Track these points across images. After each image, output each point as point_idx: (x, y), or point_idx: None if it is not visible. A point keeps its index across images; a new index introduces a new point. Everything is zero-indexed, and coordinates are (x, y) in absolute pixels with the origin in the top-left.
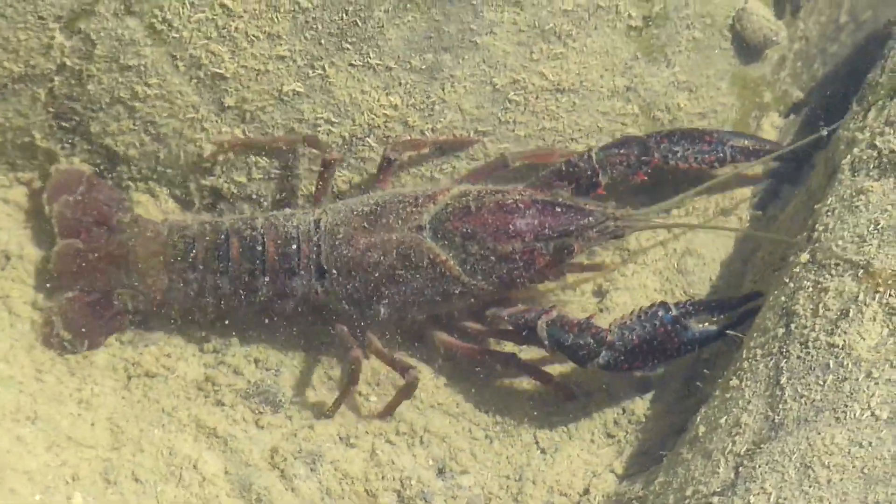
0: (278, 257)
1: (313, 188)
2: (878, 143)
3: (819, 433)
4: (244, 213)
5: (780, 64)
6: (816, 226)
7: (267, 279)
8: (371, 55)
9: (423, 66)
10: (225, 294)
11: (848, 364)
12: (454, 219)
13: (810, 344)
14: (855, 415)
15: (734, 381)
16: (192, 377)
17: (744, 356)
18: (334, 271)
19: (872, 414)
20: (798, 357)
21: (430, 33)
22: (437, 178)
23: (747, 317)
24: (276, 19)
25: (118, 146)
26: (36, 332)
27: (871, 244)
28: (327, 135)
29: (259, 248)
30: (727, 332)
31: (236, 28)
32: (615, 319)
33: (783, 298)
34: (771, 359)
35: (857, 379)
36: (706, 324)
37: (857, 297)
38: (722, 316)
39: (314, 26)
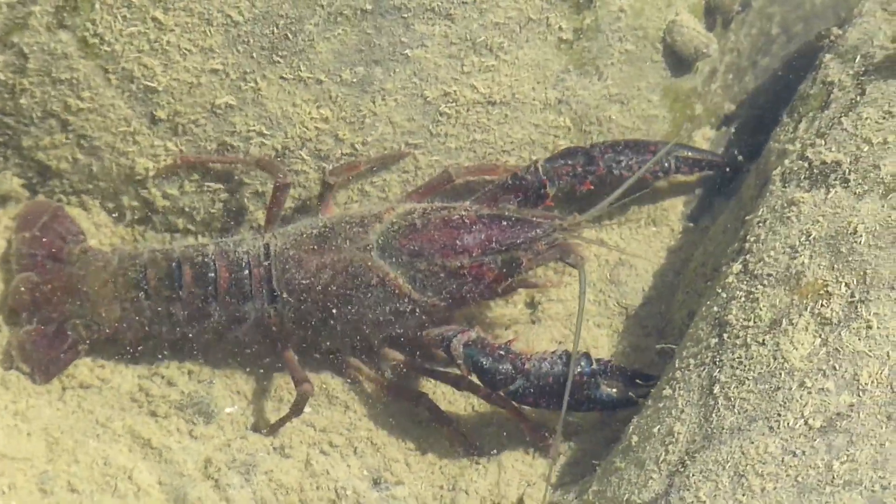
0: (231, 283)
1: (253, 205)
2: (808, 155)
3: (752, 442)
4: (179, 231)
5: (712, 76)
6: (748, 237)
7: (219, 305)
8: (302, 68)
9: (354, 80)
10: (178, 321)
11: (781, 374)
12: (401, 237)
13: (743, 353)
14: (788, 424)
15: (667, 391)
16: (126, 388)
17: (676, 366)
18: (286, 294)
19: (805, 423)
20: (731, 366)
21: (361, 46)
22: (372, 193)
23: (645, 395)
24: (208, 33)
25: (50, 160)
26: None
27: (802, 255)
28: (259, 147)
29: (211, 274)
30: (625, 402)
31: (168, 41)
32: (535, 353)
33: (716, 308)
34: (704, 368)
35: (790, 388)
36: (613, 389)
37: (790, 307)
38: (627, 387)
39: (246, 40)
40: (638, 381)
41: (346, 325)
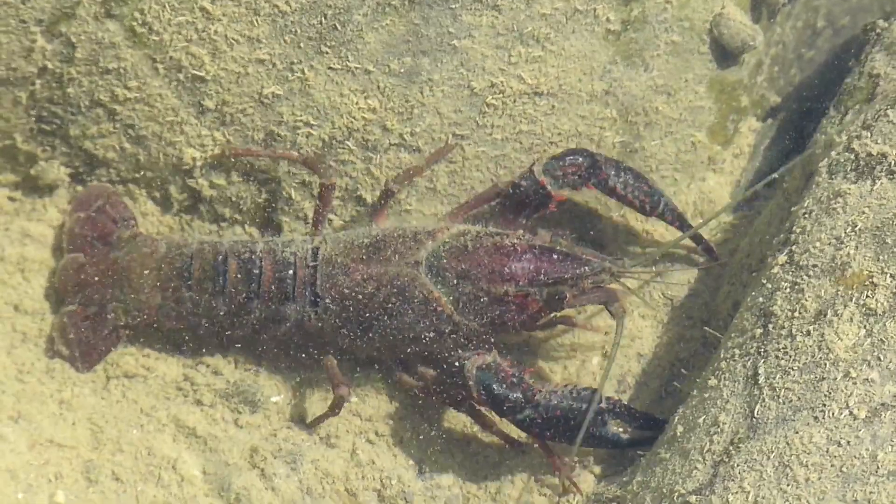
0: (274, 282)
1: (299, 195)
2: (855, 147)
3: (797, 432)
4: (236, 230)
5: (757, 68)
6: (794, 228)
7: (261, 303)
8: (350, 58)
9: (402, 70)
10: (218, 315)
11: (826, 364)
12: (450, 257)
13: (788, 344)
14: (833, 414)
15: (712, 381)
16: (171, 377)
17: (721, 356)
18: (328, 300)
19: (850, 413)
20: (776, 356)
21: (409, 37)
22: (420, 184)
23: (652, 440)
24: (255, 23)
25: (97, 149)
26: (16, 333)
27: (848, 246)
28: (307, 137)
29: (256, 271)
30: (631, 444)
31: (216, 31)
32: (546, 385)
33: (761, 299)
34: (749, 359)
35: (835, 378)
36: (621, 430)
37: (835, 298)
38: (636, 429)
39: (293, 30)
40: (645, 424)
41: (384, 338)
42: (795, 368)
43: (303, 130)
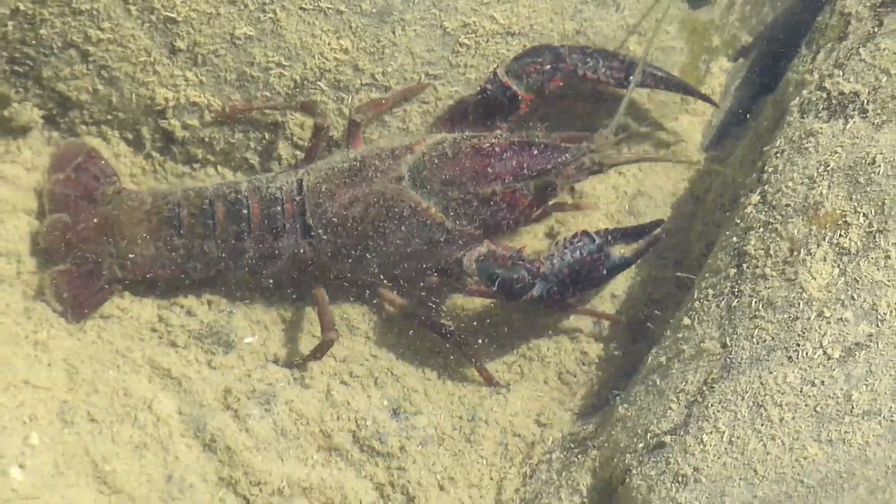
0: (264, 219)
1: (272, 135)
2: (826, 85)
3: (771, 372)
4: (199, 161)
5: (729, 8)
6: (766, 167)
7: (253, 241)
8: None
9: (374, 10)
10: (212, 258)
11: (799, 304)
12: (432, 166)
13: (762, 283)
14: (807, 354)
15: (686, 321)
16: (145, 318)
17: (695, 296)
18: (320, 229)
19: (824, 353)
20: (750, 296)
21: None
22: (392, 125)
23: (653, 244)
24: None
25: (70, 90)
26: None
27: (820, 185)
28: (279, 78)
29: (244, 210)
30: (638, 256)
31: None
32: (541, 251)
33: (734, 239)
34: (723, 298)
35: (808, 318)
36: (622, 251)
37: (808, 237)
38: (634, 243)
39: None
40: (639, 234)
41: (381, 258)
42: (769, 308)
43: (275, 71)
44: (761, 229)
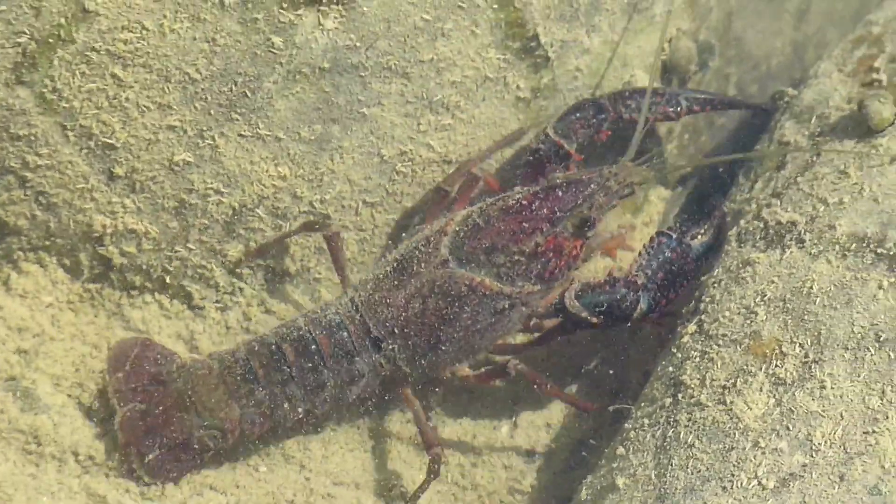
0: (334, 347)
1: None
2: (764, 215)
3: (706, 502)
4: (137, 288)
5: (668, 136)
6: (704, 297)
7: (330, 371)
8: (260, 126)
9: (312, 137)
10: (297, 398)
11: (735, 433)
12: (470, 240)
13: (697, 413)
14: (742, 484)
15: (620, 450)
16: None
17: (631, 426)
18: (389, 339)
19: (759, 483)
20: (685, 426)
21: (319, 104)
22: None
23: (722, 220)
24: (166, 89)
25: (8, 216)
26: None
27: (757, 315)
28: (217, 205)
29: (313, 346)
30: (717, 237)
31: (127, 98)
32: (628, 267)
33: (671, 369)
34: (658, 428)
35: (744, 448)
36: (700, 236)
37: (744, 367)
38: (707, 224)
39: (204, 97)
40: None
41: (455, 344)
42: (704, 438)
43: (213, 198)
44: (698, 359)
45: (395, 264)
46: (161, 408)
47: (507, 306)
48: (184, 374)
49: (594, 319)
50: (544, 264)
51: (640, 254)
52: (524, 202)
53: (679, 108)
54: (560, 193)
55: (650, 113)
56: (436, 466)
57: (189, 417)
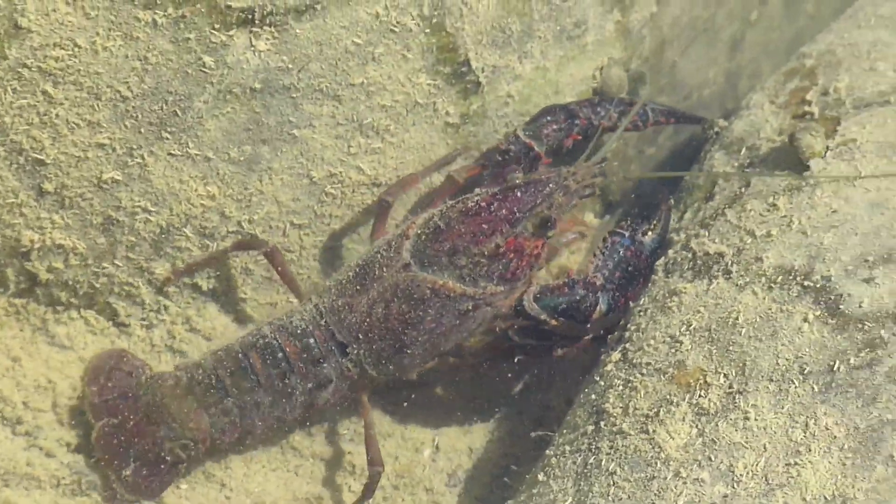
0: (301, 353)
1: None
2: (692, 245)
3: None
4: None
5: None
6: (629, 325)
7: (298, 377)
8: (190, 145)
9: (242, 158)
10: (266, 406)
11: (657, 463)
12: (431, 243)
13: (619, 441)
14: None
15: (541, 477)
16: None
17: (553, 452)
18: (354, 344)
19: None
20: (607, 454)
21: (250, 125)
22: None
23: (668, 214)
24: (97, 107)
25: None
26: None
27: (682, 345)
28: (144, 223)
29: (279, 353)
30: (665, 234)
31: (57, 115)
32: (583, 268)
33: (594, 396)
34: (579, 455)
35: (665, 478)
36: (650, 232)
37: (668, 396)
38: (655, 219)
39: (134, 115)
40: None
41: (420, 346)
42: (626, 466)
43: (141, 216)
44: (621, 387)
45: (357, 269)
46: (132, 422)
47: (470, 307)
48: (152, 386)
49: (553, 321)
50: (506, 265)
51: (595, 255)
52: (483, 203)
53: (647, 119)
54: (519, 194)
55: (619, 122)
56: (373, 486)
57: (159, 430)
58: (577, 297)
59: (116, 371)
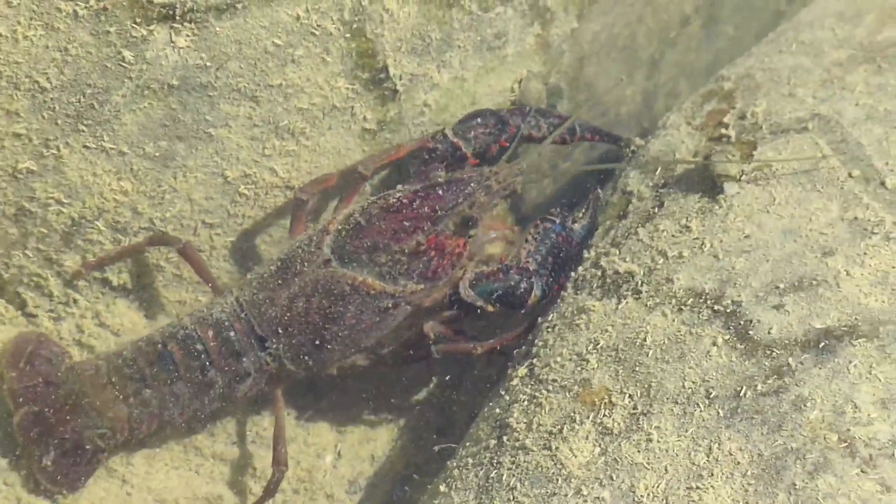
0: (220, 345)
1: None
2: (602, 264)
3: None
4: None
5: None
6: (536, 342)
7: (217, 370)
8: (105, 139)
9: (157, 154)
10: (185, 398)
11: (558, 479)
12: (352, 239)
13: (521, 456)
14: None
15: (443, 488)
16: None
17: (455, 464)
18: (273, 337)
19: None
20: (508, 469)
21: (166, 121)
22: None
23: (598, 203)
24: (15, 97)
25: None
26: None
27: (589, 363)
28: (57, 215)
29: (199, 345)
30: (595, 221)
31: None
32: (516, 253)
33: (498, 410)
34: (481, 468)
35: (565, 495)
36: (580, 220)
37: (572, 414)
38: (584, 208)
39: (52, 106)
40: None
41: (340, 342)
42: (527, 482)
43: (53, 208)
44: (526, 402)
45: (279, 263)
46: (53, 410)
47: (390, 305)
48: (73, 375)
49: (490, 307)
50: (427, 263)
51: (526, 240)
52: (405, 200)
53: (574, 134)
54: (441, 192)
55: (542, 131)
56: (275, 485)
57: (79, 419)
58: (512, 283)
59: (37, 356)
